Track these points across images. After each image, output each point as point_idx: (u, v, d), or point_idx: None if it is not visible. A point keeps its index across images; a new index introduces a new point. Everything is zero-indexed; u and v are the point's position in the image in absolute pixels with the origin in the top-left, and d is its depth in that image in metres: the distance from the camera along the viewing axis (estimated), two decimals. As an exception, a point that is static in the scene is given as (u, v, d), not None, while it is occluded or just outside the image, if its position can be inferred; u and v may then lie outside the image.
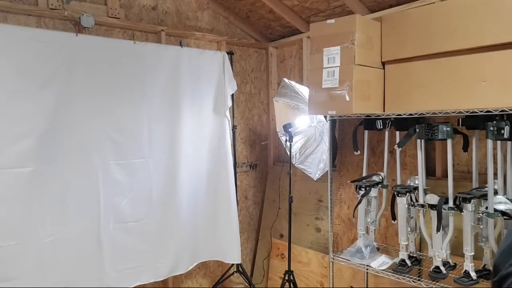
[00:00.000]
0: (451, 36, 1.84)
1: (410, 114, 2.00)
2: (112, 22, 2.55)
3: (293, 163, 2.78)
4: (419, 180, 2.07)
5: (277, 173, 3.30)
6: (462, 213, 1.87)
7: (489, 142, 1.77)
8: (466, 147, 2.04)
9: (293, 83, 2.84)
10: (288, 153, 2.68)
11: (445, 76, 1.88)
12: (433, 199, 1.99)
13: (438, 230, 1.94)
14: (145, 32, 2.74)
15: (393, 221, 2.23)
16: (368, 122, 2.30)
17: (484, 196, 1.80)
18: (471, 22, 1.77)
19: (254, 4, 2.95)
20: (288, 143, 2.64)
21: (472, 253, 1.84)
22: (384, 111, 2.16)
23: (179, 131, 2.69)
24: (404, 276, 2.05)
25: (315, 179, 2.76)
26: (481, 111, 1.73)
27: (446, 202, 1.94)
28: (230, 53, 3.01)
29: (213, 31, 3.12)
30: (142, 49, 2.51)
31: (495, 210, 1.73)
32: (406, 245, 2.13)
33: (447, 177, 1.96)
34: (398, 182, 2.24)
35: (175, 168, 2.68)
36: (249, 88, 3.40)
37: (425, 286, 1.96)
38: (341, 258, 2.33)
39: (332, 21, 2.13)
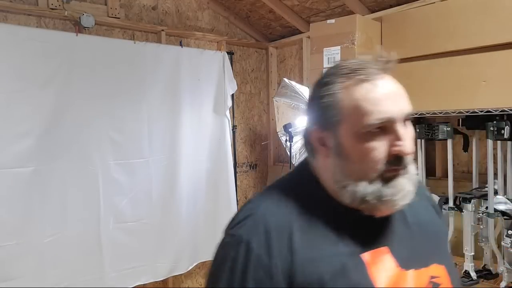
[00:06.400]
0: (451, 36, 1.84)
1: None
2: (112, 22, 2.55)
3: (293, 163, 2.78)
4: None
5: (277, 173, 3.29)
6: (462, 213, 1.87)
7: (489, 142, 1.77)
8: (466, 147, 2.04)
9: (293, 83, 2.84)
10: (288, 153, 2.68)
11: (445, 76, 1.88)
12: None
13: (438, 230, 1.93)
14: (145, 32, 2.74)
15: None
16: (368, 122, 2.30)
17: (484, 196, 1.80)
18: (471, 22, 1.77)
19: (254, 4, 2.95)
20: (288, 143, 2.64)
21: (472, 253, 1.84)
22: (384, 111, 2.15)
23: (179, 131, 2.69)
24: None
25: (315, 179, 2.76)
26: (481, 111, 1.73)
27: (446, 202, 1.93)
28: (230, 53, 3.00)
29: (213, 31, 3.12)
30: (142, 49, 2.51)
31: (495, 210, 1.73)
32: (406, 245, 2.13)
33: (447, 177, 1.96)
34: (398, 182, 2.23)
35: (175, 168, 2.68)
36: (249, 88, 3.40)
37: (425, 286, 1.96)
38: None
39: (332, 21, 2.13)
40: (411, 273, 0.75)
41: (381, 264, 0.74)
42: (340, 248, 0.73)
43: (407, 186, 0.74)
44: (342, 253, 0.72)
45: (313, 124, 0.80)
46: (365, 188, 0.73)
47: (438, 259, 0.80)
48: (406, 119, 0.74)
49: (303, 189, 0.81)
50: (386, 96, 0.72)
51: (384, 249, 0.75)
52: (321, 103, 0.76)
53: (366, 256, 0.73)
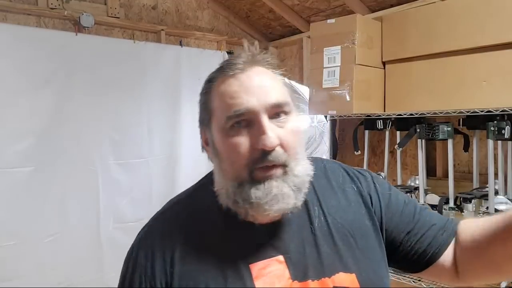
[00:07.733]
0: (451, 36, 1.83)
1: (411, 114, 1.99)
2: (112, 22, 2.55)
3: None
4: (420, 180, 2.07)
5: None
6: (462, 213, 1.87)
7: (490, 142, 1.77)
8: (466, 147, 2.04)
9: (293, 83, 2.84)
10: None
11: (445, 76, 1.88)
12: (433, 199, 1.98)
13: (438, 230, 1.93)
14: (145, 31, 2.73)
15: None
16: (369, 122, 2.30)
17: (485, 196, 1.79)
18: (471, 22, 1.76)
19: (254, 4, 2.95)
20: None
21: (473, 253, 1.84)
22: (384, 111, 2.15)
23: (179, 130, 2.69)
24: (404, 276, 2.05)
25: (315, 179, 2.75)
26: (481, 111, 1.73)
27: (447, 202, 1.93)
28: (230, 53, 3.00)
29: (213, 31, 3.12)
30: (142, 49, 2.51)
31: (496, 210, 1.72)
32: (406, 245, 2.13)
33: (447, 177, 1.96)
34: (399, 182, 2.23)
35: (174, 168, 2.68)
36: (249, 87, 3.39)
37: (425, 286, 1.95)
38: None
39: (333, 20, 2.12)
40: (306, 285, 0.69)
41: (271, 276, 0.68)
42: (224, 259, 0.69)
43: (280, 188, 0.67)
44: (226, 265, 0.69)
45: (199, 124, 0.79)
46: (234, 189, 0.68)
47: (347, 266, 0.72)
48: (278, 111, 0.70)
49: (202, 197, 0.79)
50: (244, 88, 0.70)
51: (278, 259, 0.70)
52: (200, 101, 0.78)
53: (255, 267, 0.69)
